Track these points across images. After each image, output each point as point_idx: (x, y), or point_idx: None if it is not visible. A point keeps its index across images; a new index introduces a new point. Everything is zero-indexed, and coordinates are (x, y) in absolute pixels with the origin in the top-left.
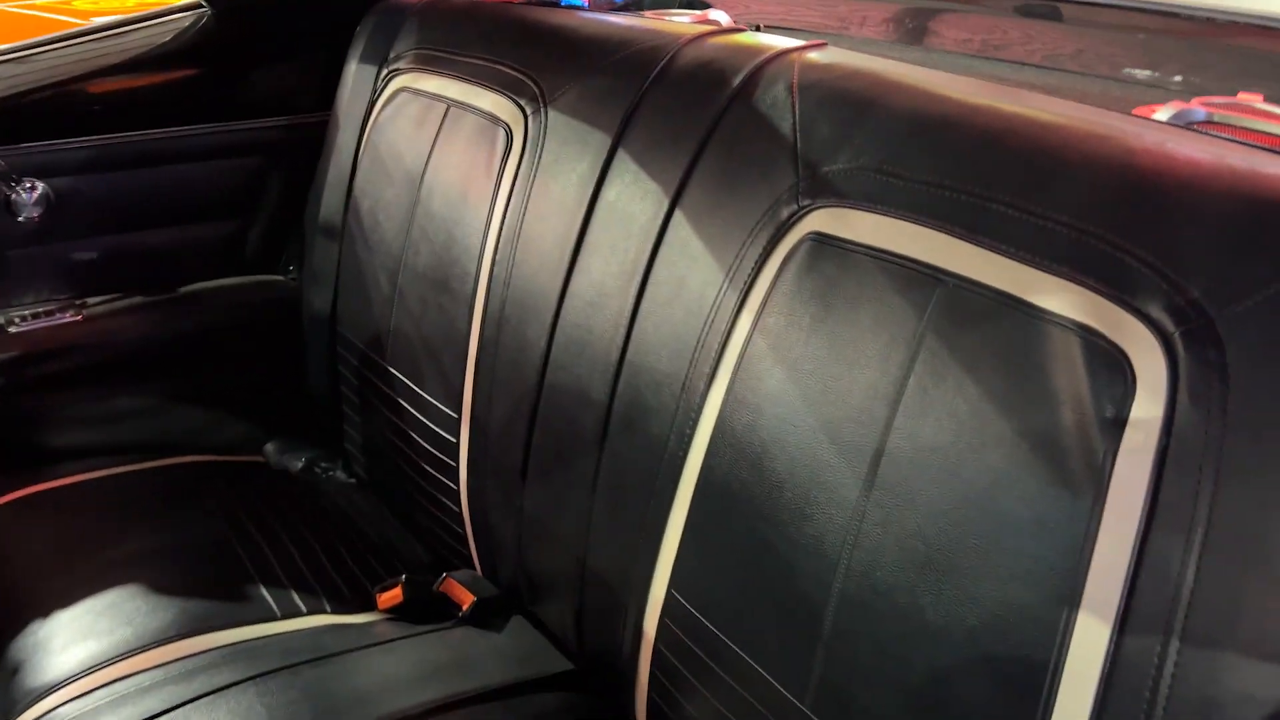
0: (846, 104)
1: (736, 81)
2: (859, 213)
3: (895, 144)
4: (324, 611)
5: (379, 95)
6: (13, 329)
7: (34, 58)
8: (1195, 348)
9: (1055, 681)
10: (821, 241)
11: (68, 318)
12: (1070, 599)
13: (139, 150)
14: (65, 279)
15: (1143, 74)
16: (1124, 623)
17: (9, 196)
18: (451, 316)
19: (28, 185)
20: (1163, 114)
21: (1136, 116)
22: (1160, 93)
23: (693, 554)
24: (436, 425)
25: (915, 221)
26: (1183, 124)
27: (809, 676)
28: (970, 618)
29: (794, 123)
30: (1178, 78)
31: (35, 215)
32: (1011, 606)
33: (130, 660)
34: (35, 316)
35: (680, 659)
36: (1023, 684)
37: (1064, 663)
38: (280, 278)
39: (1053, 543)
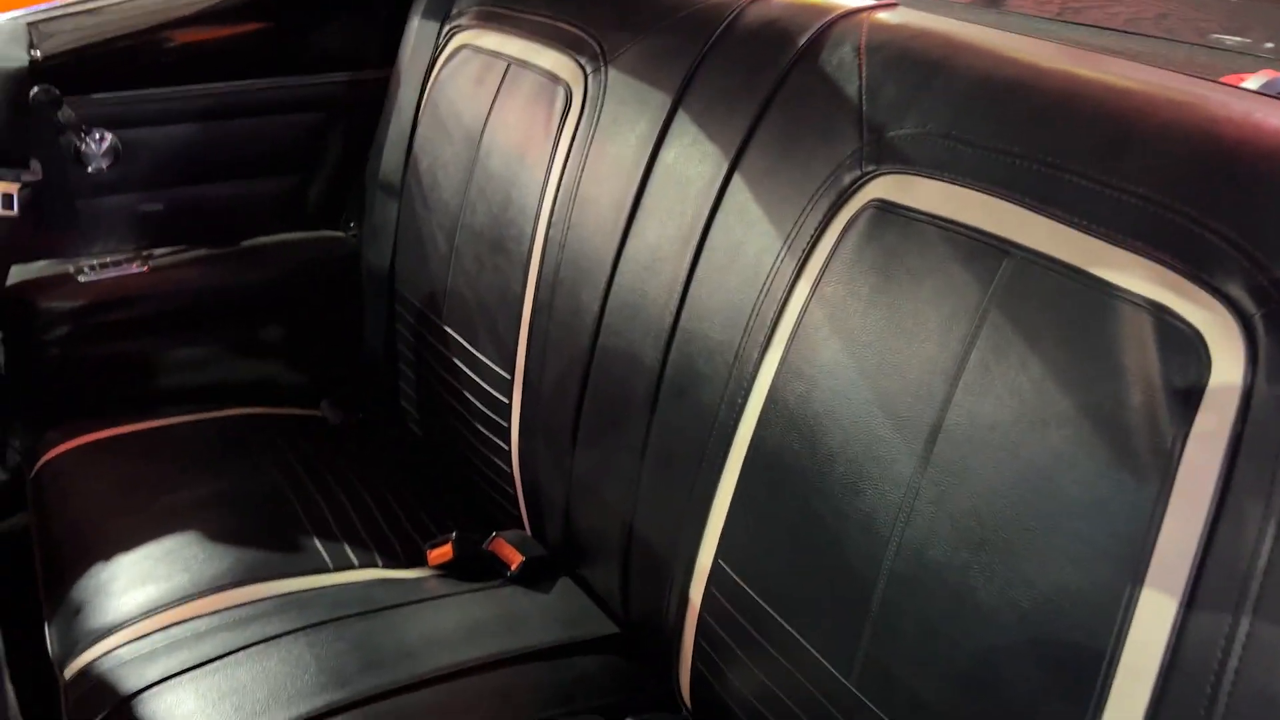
0: (915, 66)
1: (801, 41)
2: (924, 180)
3: (964, 109)
4: (375, 565)
5: (440, 52)
6: (81, 278)
7: (106, 9)
8: (1277, 331)
9: (1111, 670)
10: (884, 209)
11: (134, 269)
12: (1130, 586)
13: (206, 103)
14: (132, 230)
15: (1231, 40)
16: (1187, 613)
17: (79, 147)
18: (507, 277)
19: (97, 136)
20: (1252, 83)
21: (1223, 84)
22: (1250, 60)
23: (741, 525)
24: (490, 385)
25: (982, 190)
26: (1274, 93)
27: (855, 653)
28: (1023, 600)
29: (860, 85)
30: (1269, 44)
31: (104, 166)
32: (1067, 591)
33: (186, 606)
34: (103, 267)
35: (725, 629)
36: (1076, 671)
37: (1121, 652)
38: (340, 234)
39: (1114, 527)
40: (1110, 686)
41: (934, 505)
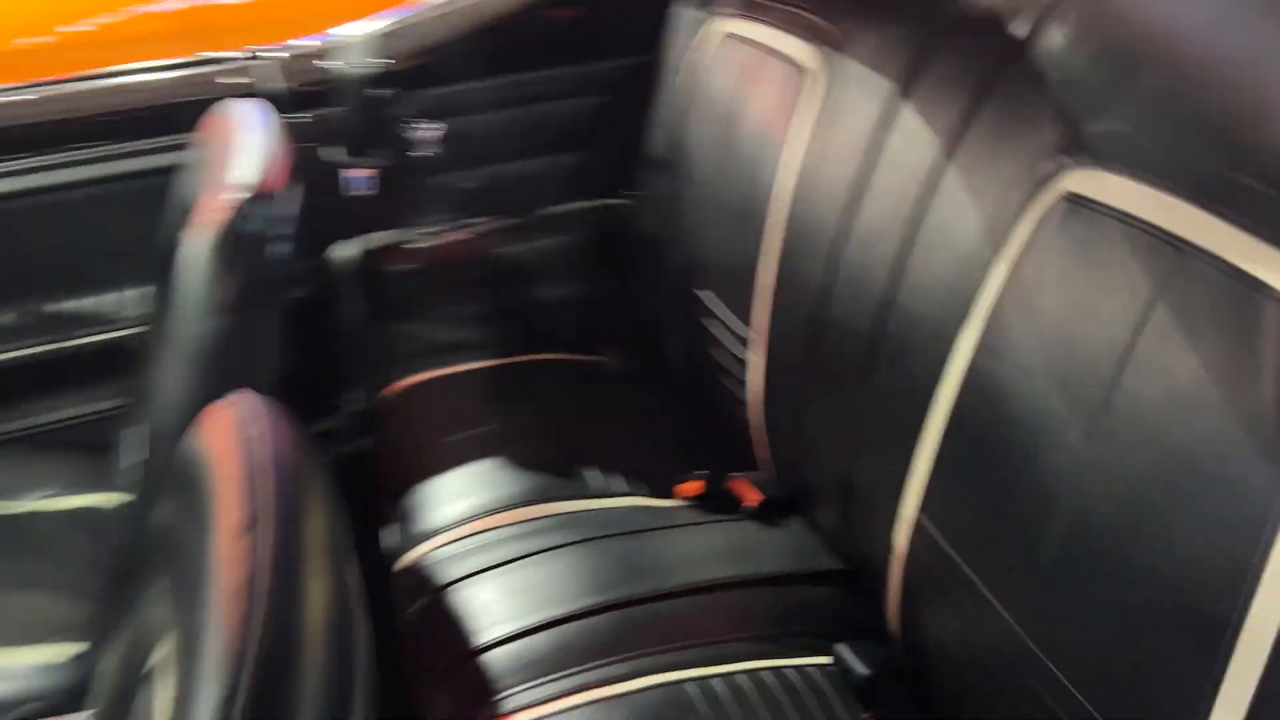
0: (1113, 62)
1: (1020, 30)
2: (1114, 176)
3: (1156, 109)
4: (636, 494)
5: (700, 38)
6: (417, 245)
7: (437, 20)
8: None
9: (1235, 637)
10: (1076, 203)
11: (457, 235)
12: (1256, 563)
13: (512, 93)
14: (454, 204)
15: None
16: None
17: (417, 136)
18: (751, 247)
19: (431, 126)
20: None
21: None
22: None
23: (938, 483)
24: (735, 343)
25: (1164, 189)
26: None
27: (1029, 608)
28: (1166, 568)
29: (1065, 77)
30: None
31: (436, 151)
32: (1202, 562)
33: (488, 519)
34: (434, 235)
35: (924, 574)
36: (1206, 634)
37: (1245, 620)
38: (620, 202)
39: (1245, 509)
40: (1233, 652)
41: (1096, 475)
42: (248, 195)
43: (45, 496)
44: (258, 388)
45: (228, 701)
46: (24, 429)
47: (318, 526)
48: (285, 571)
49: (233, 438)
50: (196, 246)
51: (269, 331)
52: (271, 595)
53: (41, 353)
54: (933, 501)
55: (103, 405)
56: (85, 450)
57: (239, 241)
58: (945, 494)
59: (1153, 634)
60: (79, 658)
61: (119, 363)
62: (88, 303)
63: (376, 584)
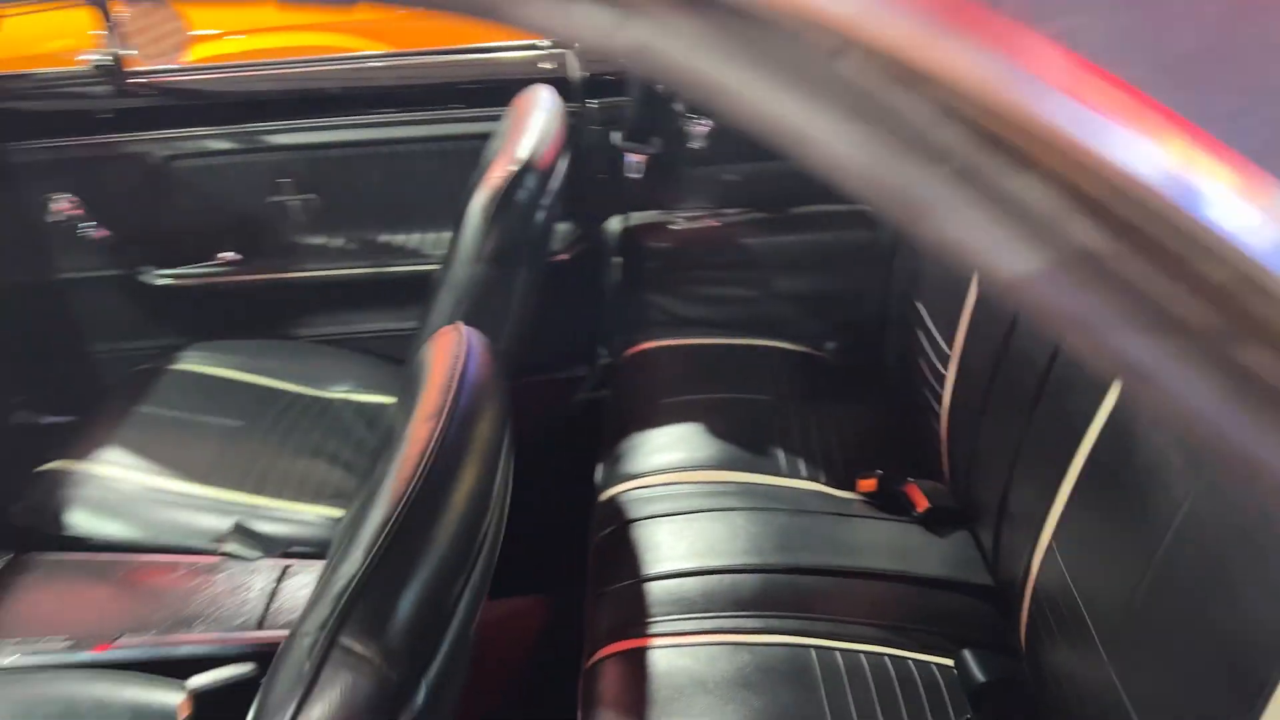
0: None
1: None
2: None
3: None
4: (816, 480)
5: None
6: (673, 227)
7: None
8: None
9: (1271, 691)
10: None
11: (709, 222)
12: None
13: None
14: (711, 193)
15: None
16: None
17: (688, 129)
18: (957, 280)
19: (701, 120)
20: None
21: None
22: None
23: (1072, 520)
24: (935, 356)
25: None
26: None
27: (1128, 663)
28: (1230, 626)
29: None
30: None
31: (704, 144)
32: (1252, 621)
33: (681, 474)
34: (689, 219)
35: (1051, 606)
36: (1250, 683)
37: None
38: (863, 208)
39: None
40: (1268, 704)
41: (1194, 529)
42: (521, 167)
43: (346, 390)
44: (500, 327)
45: (386, 521)
46: (341, 334)
47: (485, 430)
48: (450, 452)
49: (447, 355)
50: (476, 204)
51: (519, 284)
52: (434, 462)
53: (362, 274)
54: (1065, 536)
55: (403, 325)
56: (383, 359)
57: (507, 205)
58: (1076, 531)
59: (1208, 687)
60: (337, 520)
61: (420, 291)
62: (404, 238)
63: (579, 514)
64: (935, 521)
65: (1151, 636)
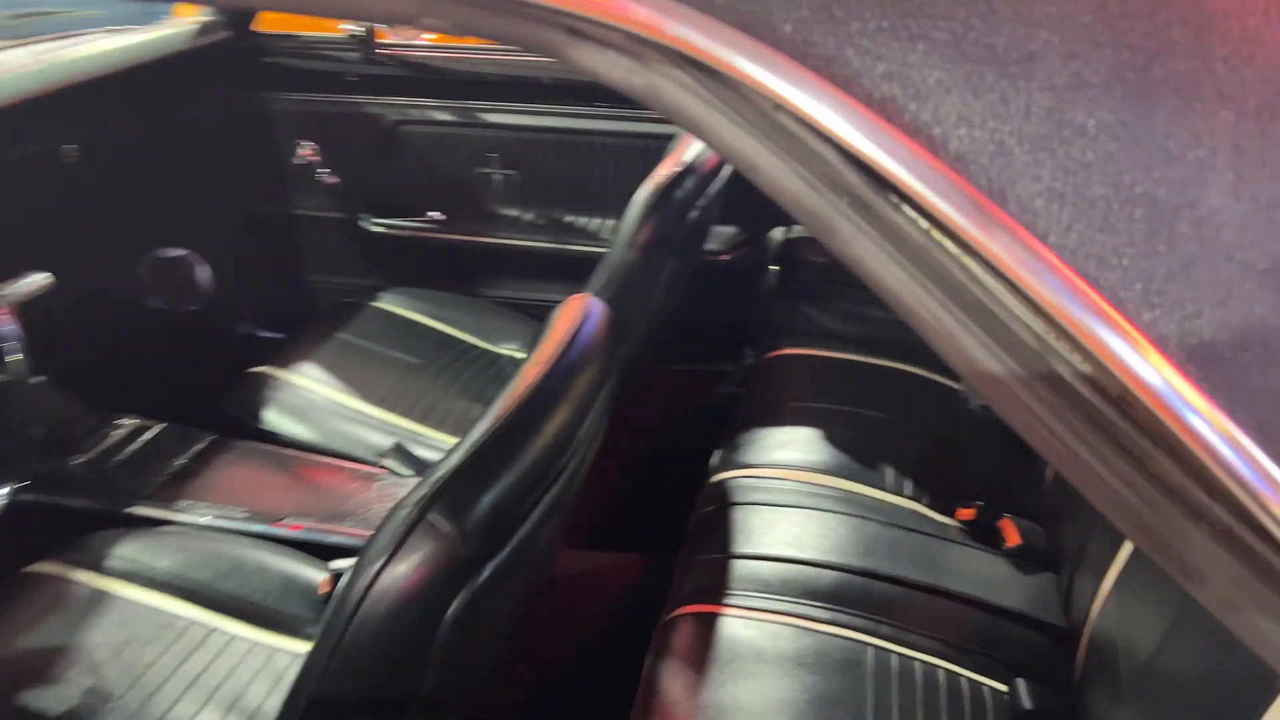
0: None
1: None
2: None
3: None
4: (918, 500)
5: None
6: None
7: None
8: None
9: None
10: None
11: None
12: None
13: None
14: None
15: None
16: None
17: None
18: None
19: None
20: None
21: None
22: None
23: (1131, 575)
24: None
25: None
26: None
27: (1142, 699)
28: (1230, 680)
29: None
30: None
31: None
32: (1230, 674)
33: (790, 471)
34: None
35: (1100, 658)
36: None
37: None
38: None
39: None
40: None
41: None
42: (684, 168)
43: (513, 348)
44: (640, 310)
45: (485, 433)
46: (517, 298)
47: (583, 383)
48: (548, 393)
49: (570, 317)
50: (639, 197)
51: (666, 275)
52: (533, 396)
53: (544, 248)
54: (1123, 584)
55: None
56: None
57: (664, 200)
58: (1132, 580)
59: None
60: None
61: (590, 270)
62: (585, 221)
63: (691, 491)
64: (1023, 558)
65: (1167, 691)
